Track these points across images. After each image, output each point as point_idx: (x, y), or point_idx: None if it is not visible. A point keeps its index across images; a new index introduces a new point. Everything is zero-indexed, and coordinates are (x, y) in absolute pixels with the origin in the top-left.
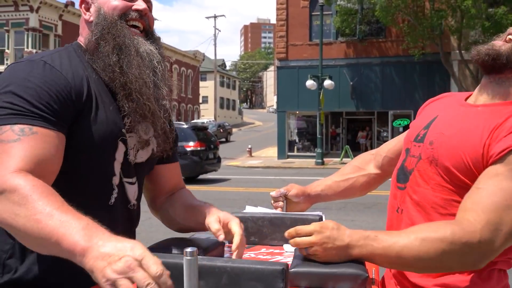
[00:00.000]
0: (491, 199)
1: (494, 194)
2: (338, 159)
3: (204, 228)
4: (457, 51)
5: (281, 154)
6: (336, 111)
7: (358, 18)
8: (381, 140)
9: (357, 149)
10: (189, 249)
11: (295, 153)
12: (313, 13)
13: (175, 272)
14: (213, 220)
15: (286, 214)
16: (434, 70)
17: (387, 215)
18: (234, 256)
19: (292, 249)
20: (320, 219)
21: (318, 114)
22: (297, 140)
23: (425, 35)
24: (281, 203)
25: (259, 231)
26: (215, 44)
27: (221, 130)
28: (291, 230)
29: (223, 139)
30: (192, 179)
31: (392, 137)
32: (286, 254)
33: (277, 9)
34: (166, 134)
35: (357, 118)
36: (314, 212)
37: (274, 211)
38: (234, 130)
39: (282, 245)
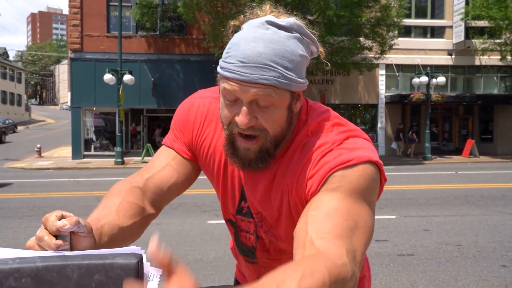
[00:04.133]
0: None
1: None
2: (139, 158)
3: None
4: None
5: (76, 154)
6: (137, 108)
7: (159, 13)
8: None
9: (158, 147)
10: None
11: (92, 152)
12: (111, 3)
13: None
14: None
15: (70, 259)
16: None
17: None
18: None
19: None
20: (140, 261)
21: (117, 111)
22: (94, 139)
23: (225, 35)
24: (61, 241)
25: None
26: None
27: None
28: None
29: None
30: None
31: None
32: None
33: None
34: None
35: (158, 116)
36: (131, 248)
37: (46, 253)
38: (20, 128)
39: None
